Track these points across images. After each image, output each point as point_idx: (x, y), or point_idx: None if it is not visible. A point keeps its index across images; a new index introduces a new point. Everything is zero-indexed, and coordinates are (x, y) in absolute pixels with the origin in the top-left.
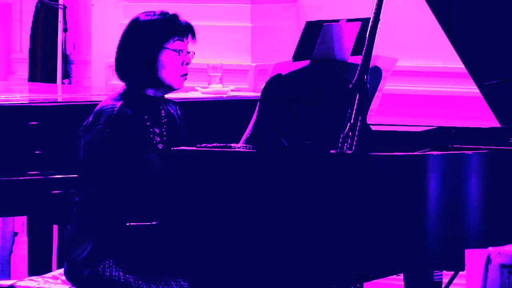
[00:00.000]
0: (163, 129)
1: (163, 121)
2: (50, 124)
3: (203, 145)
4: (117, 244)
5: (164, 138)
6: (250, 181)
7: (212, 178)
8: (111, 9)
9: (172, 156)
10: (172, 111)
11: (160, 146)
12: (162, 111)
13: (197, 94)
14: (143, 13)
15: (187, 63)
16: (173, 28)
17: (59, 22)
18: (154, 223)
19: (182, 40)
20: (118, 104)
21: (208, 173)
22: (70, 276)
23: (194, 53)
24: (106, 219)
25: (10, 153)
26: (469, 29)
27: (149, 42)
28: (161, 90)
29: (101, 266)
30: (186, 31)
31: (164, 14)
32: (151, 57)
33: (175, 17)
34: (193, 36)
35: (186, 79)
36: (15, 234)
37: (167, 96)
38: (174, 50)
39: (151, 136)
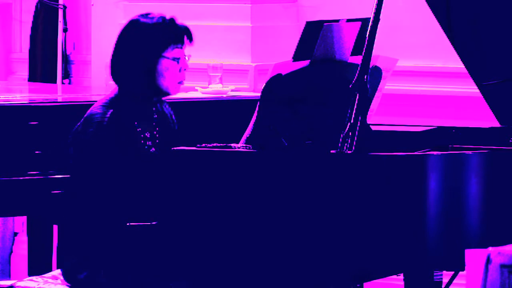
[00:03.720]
0: (155, 132)
1: (154, 123)
2: (50, 124)
3: (203, 145)
4: (111, 250)
5: (157, 141)
6: (250, 181)
7: (212, 178)
8: (111, 9)
9: (172, 156)
10: (166, 112)
11: (152, 150)
12: (155, 114)
13: (197, 94)
14: (141, 15)
15: (185, 69)
16: (171, 36)
17: (59, 22)
18: (151, 225)
19: (181, 48)
20: (108, 112)
21: (208, 173)
22: (68, 279)
23: (190, 56)
24: (100, 226)
25: (10, 153)
26: (469, 29)
27: (147, 50)
28: (156, 95)
29: (96, 271)
30: (183, 36)
31: (162, 18)
32: (149, 66)
33: (172, 22)
34: (190, 39)
35: (183, 84)
36: (15, 234)
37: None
38: (172, 59)
39: (142, 142)
